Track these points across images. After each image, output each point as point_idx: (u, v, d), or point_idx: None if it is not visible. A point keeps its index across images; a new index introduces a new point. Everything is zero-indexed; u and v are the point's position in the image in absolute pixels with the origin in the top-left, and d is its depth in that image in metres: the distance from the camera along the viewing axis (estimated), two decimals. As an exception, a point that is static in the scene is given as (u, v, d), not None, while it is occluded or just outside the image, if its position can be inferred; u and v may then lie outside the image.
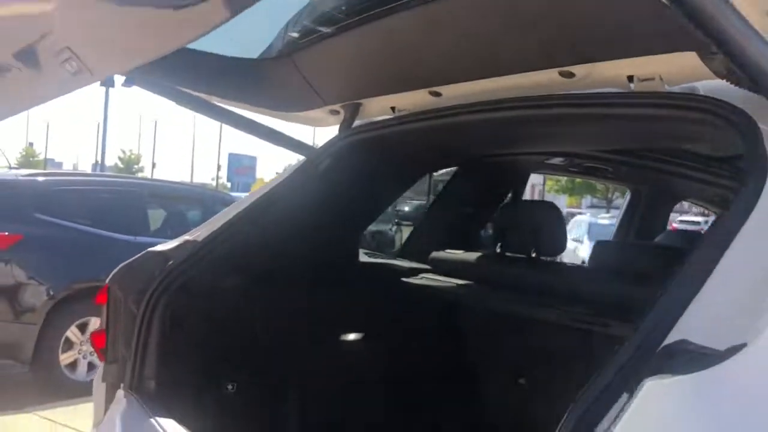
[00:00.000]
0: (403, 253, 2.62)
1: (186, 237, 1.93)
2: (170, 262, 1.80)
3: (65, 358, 4.72)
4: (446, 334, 2.27)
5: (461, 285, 2.20)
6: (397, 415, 2.15)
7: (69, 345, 4.75)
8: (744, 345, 0.74)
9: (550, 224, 2.10)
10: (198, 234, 1.92)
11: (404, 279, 2.28)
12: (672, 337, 0.82)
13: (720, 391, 0.72)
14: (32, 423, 4.14)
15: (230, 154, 51.28)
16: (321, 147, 2.04)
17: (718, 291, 0.87)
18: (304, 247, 2.06)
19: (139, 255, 1.85)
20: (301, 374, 2.07)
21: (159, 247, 1.88)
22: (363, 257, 2.41)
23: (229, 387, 1.94)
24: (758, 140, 1.06)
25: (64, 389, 4.58)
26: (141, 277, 1.79)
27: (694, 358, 0.75)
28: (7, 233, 4.54)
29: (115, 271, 1.82)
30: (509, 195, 2.91)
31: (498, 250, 2.18)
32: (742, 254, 0.91)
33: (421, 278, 2.30)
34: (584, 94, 1.55)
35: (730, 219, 0.96)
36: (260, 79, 1.92)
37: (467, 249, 2.39)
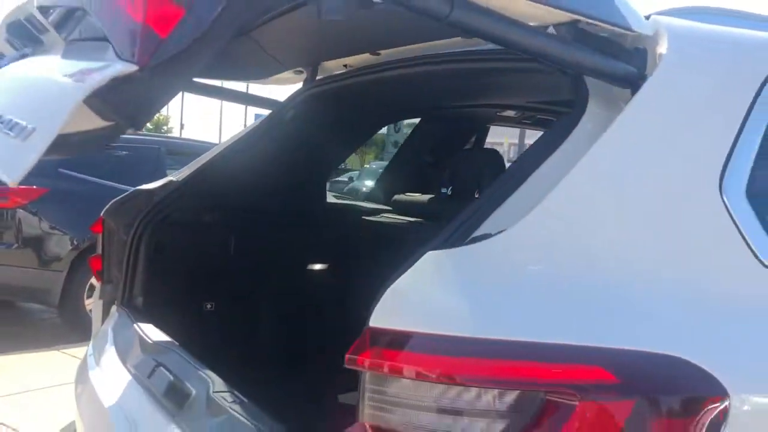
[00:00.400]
0: (369, 197, 2.91)
1: (171, 177, 2.26)
2: (155, 198, 2.13)
3: (89, 303, 5.09)
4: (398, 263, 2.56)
5: (412, 222, 2.50)
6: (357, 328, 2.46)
7: (93, 290, 5.13)
8: (503, 230, 1.04)
9: (492, 168, 2.39)
10: (181, 175, 2.24)
11: (365, 217, 2.59)
12: (479, 232, 1.11)
13: (474, 259, 1.02)
14: (59, 359, 4.58)
15: (256, 115, 51.60)
16: (286, 99, 2.33)
17: (520, 199, 1.15)
18: (275, 187, 2.36)
19: (129, 192, 2.18)
20: (272, 297, 2.40)
21: (146, 186, 2.20)
22: (331, 199, 2.72)
23: (208, 306, 2.27)
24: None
25: (87, 330, 4.97)
26: (130, 211, 2.11)
27: (467, 239, 1.04)
28: (34, 186, 4.91)
29: (109, 205, 2.15)
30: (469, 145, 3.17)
31: (449, 193, 2.47)
32: (545, 174, 1.18)
33: (381, 217, 2.60)
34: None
35: (537, 148, 1.24)
36: (232, 57, 2.16)
37: (425, 192, 2.68)
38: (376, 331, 0.97)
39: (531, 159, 1.19)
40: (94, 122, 0.97)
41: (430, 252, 1.01)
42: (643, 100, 1.19)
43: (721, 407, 0.98)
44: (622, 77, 1.23)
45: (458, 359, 0.93)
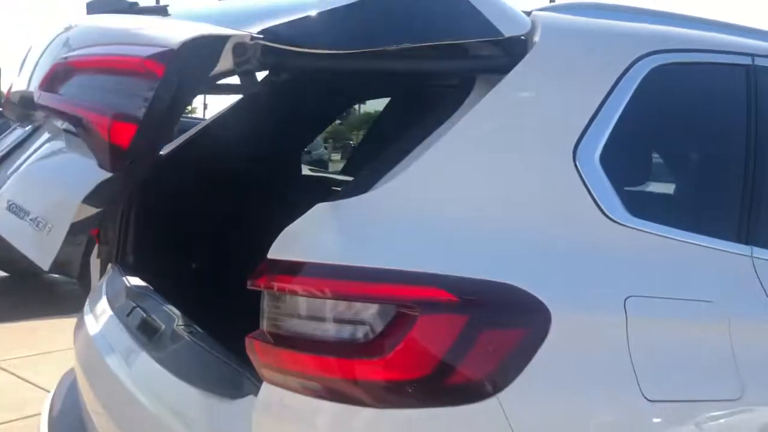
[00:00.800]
0: (344, 171, 3.20)
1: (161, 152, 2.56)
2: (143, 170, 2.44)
3: (105, 274, 5.49)
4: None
5: None
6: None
7: (108, 262, 5.53)
8: (378, 187, 1.32)
9: None
10: (168, 149, 2.55)
11: (335, 188, 2.88)
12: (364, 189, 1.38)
13: (350, 210, 1.30)
14: (78, 324, 4.97)
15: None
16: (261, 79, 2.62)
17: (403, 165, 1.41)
18: (253, 160, 2.66)
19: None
20: (251, 259, 2.70)
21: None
22: (307, 172, 3.02)
23: (193, 266, 2.59)
24: None
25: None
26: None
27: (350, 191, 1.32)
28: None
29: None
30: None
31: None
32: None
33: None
34: None
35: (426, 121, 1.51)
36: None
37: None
38: (272, 261, 1.27)
39: (419, 130, 1.47)
40: (88, 211, 1.29)
41: (319, 205, 1.31)
42: (512, 80, 1.46)
43: (544, 325, 1.26)
44: (502, 67, 1.49)
45: (332, 281, 1.22)
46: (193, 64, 1.18)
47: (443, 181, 1.35)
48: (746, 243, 1.59)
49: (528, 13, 1.59)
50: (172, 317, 1.80)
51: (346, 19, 1.32)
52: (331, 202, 1.30)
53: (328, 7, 1.30)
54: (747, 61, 1.79)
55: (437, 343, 1.21)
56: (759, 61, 1.81)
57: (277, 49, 1.24)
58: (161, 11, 1.55)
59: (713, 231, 1.57)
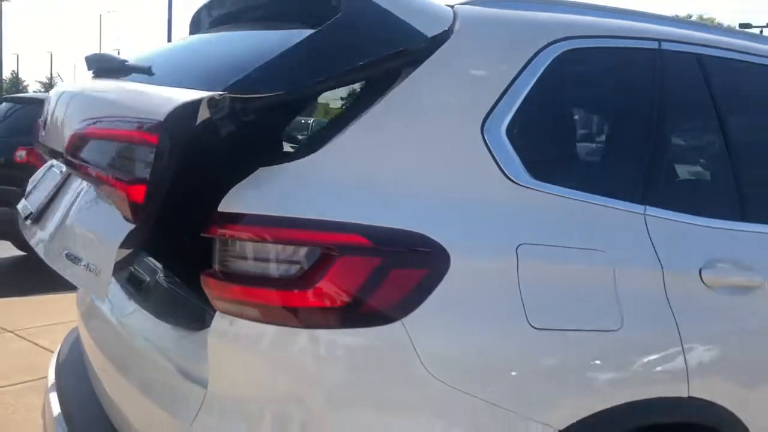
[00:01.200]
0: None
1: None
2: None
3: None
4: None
5: None
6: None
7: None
8: (314, 153, 1.61)
9: None
10: None
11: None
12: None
13: (287, 172, 1.58)
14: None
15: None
16: None
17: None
18: None
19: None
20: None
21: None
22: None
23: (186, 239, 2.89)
24: None
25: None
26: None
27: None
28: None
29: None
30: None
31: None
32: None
33: None
34: None
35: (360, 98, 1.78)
36: None
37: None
38: (221, 213, 1.56)
39: (350, 110, 1.74)
40: (125, 252, 1.61)
41: (261, 168, 1.60)
42: (432, 65, 1.73)
43: (444, 266, 1.54)
44: (425, 56, 1.75)
45: (271, 228, 1.51)
46: (178, 125, 1.49)
47: (366, 150, 1.63)
48: (641, 203, 1.86)
49: (452, 6, 1.86)
50: (155, 270, 2.11)
51: (287, 61, 1.62)
52: (271, 166, 1.59)
53: (271, 56, 1.61)
54: (654, 45, 2.05)
55: (354, 278, 1.50)
56: (665, 45, 2.07)
57: (239, 97, 1.56)
58: (147, 71, 1.96)
59: (610, 192, 1.84)
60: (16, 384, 4.04)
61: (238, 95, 1.56)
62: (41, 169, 2.50)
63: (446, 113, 1.72)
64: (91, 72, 2.26)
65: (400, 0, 1.78)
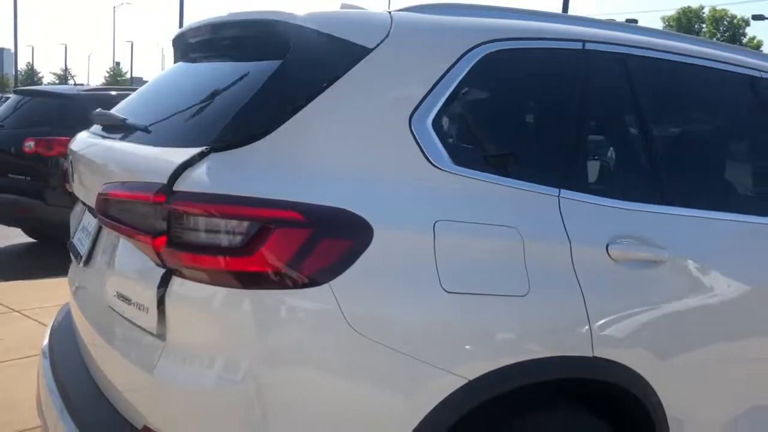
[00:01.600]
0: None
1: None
2: None
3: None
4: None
5: None
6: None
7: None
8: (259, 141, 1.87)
9: None
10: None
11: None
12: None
13: (232, 156, 1.85)
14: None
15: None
16: None
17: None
18: None
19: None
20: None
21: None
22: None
23: None
24: None
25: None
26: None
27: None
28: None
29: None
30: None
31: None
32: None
33: None
34: None
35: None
36: None
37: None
38: (176, 191, 1.81)
39: (295, 103, 1.99)
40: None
41: (212, 153, 1.86)
42: (367, 65, 1.99)
43: (367, 238, 1.80)
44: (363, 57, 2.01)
45: (218, 205, 1.77)
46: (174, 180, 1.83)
47: (303, 139, 1.89)
48: (556, 187, 2.11)
49: (390, 13, 2.12)
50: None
51: (253, 113, 1.93)
52: (221, 152, 1.85)
53: (240, 104, 1.95)
54: (578, 46, 2.30)
55: (288, 247, 1.76)
56: (589, 46, 2.32)
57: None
58: (145, 129, 2.27)
59: (528, 178, 2.08)
60: (22, 358, 4.35)
61: (221, 146, 1.87)
62: (77, 209, 2.88)
63: (377, 108, 1.98)
64: (99, 127, 2.65)
65: (339, 20, 2.05)
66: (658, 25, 61.63)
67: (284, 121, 1.89)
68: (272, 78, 1.98)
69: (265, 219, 1.77)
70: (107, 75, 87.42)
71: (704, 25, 61.90)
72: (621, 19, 45.69)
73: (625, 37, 2.44)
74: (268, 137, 1.87)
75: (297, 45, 2.01)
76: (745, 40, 60.32)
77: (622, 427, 2.23)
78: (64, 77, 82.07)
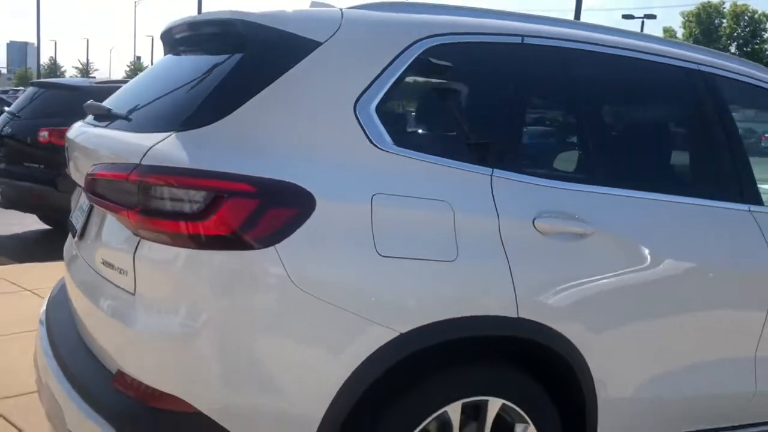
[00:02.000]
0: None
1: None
2: None
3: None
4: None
5: None
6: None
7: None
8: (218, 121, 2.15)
9: None
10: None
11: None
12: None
13: (196, 135, 2.12)
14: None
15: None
16: None
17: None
18: None
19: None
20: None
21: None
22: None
23: None
24: None
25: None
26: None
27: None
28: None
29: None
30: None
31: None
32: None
33: None
34: None
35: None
36: None
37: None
38: (143, 165, 2.10)
39: (250, 89, 2.26)
40: None
41: (174, 133, 2.13)
42: (316, 56, 2.26)
43: (310, 207, 2.07)
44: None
45: (178, 177, 2.05)
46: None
47: (256, 121, 2.17)
48: (488, 166, 2.37)
49: (341, 10, 2.38)
50: None
51: (215, 100, 2.22)
52: (183, 132, 2.13)
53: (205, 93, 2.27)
54: (517, 40, 2.55)
55: (239, 215, 2.03)
56: (528, 40, 2.57)
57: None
58: (127, 117, 2.52)
59: (463, 158, 2.34)
60: (30, 331, 4.66)
61: (184, 129, 2.16)
62: (76, 191, 3.17)
63: (326, 94, 2.24)
64: (91, 117, 2.93)
65: (291, 18, 2.32)
66: (677, 20, 60.76)
67: (239, 106, 2.16)
68: (232, 69, 2.26)
69: (220, 189, 2.04)
70: (128, 69, 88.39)
71: (724, 20, 61.29)
72: (639, 14, 45.54)
73: (563, 32, 2.68)
74: (224, 120, 2.14)
75: (253, 40, 2.29)
76: (766, 36, 59.76)
77: (551, 387, 2.48)
78: (86, 71, 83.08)
